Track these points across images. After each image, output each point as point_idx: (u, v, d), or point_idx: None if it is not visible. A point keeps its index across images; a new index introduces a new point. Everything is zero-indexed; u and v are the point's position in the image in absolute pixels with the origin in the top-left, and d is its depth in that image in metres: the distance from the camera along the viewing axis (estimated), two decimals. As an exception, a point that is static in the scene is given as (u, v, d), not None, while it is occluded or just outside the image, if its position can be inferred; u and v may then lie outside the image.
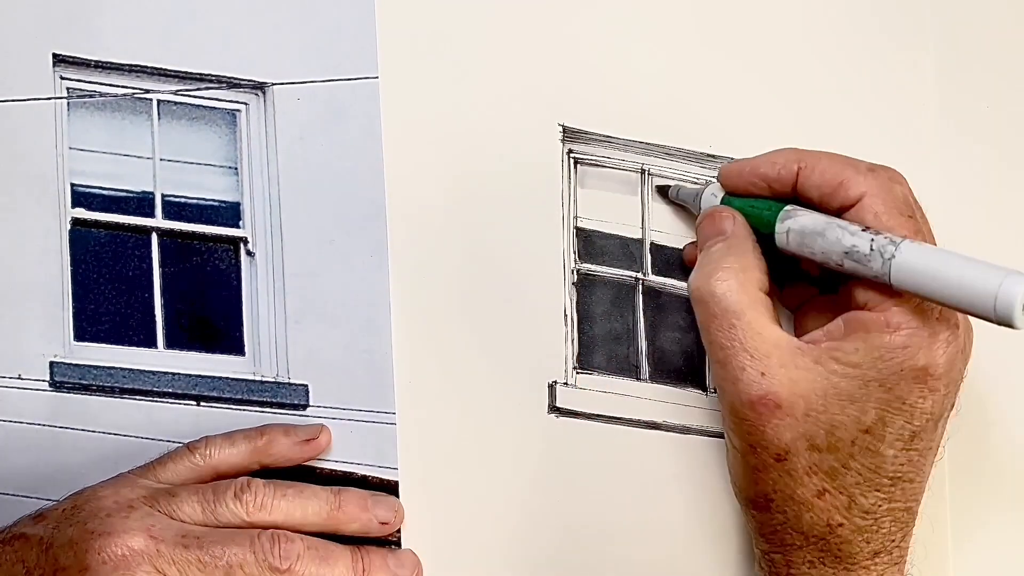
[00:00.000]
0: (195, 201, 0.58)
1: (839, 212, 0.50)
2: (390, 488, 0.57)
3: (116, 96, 0.57)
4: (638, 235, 0.60)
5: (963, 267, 0.46)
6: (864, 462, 0.49)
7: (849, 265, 0.49)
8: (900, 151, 0.61)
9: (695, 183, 0.59)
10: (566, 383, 0.59)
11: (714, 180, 0.56)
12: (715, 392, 0.60)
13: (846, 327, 0.50)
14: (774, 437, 0.49)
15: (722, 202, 0.55)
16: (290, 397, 0.57)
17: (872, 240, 0.49)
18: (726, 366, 0.50)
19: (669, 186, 0.59)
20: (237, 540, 0.51)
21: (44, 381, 0.57)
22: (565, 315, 0.59)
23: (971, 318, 0.49)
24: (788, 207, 0.52)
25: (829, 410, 0.49)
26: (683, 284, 0.59)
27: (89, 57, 0.57)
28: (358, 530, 0.55)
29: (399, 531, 0.57)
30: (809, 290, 0.56)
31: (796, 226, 0.51)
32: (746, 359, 0.49)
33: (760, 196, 0.53)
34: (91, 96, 0.57)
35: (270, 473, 0.56)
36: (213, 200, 0.58)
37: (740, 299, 0.50)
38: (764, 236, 0.53)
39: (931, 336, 0.49)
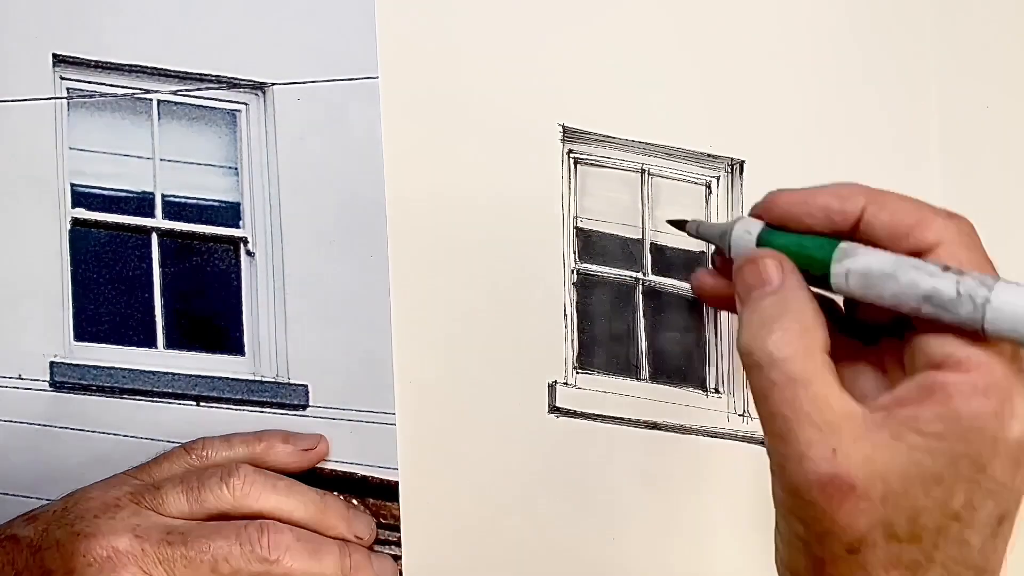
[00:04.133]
0: (195, 201, 0.58)
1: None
2: (390, 488, 0.57)
3: (116, 96, 0.57)
4: (638, 235, 0.60)
5: None
6: (950, 553, 0.42)
7: (928, 311, 0.42)
8: (900, 151, 0.61)
9: (698, 183, 0.59)
10: (566, 383, 0.59)
11: (742, 216, 0.50)
12: (716, 392, 0.60)
13: (921, 391, 0.42)
14: (847, 525, 0.42)
15: (760, 240, 0.48)
16: (290, 397, 0.57)
17: (958, 282, 0.42)
18: (788, 441, 0.42)
19: (685, 220, 0.54)
20: (223, 532, 0.51)
21: (44, 381, 0.56)
22: (565, 315, 0.59)
23: None
24: (844, 244, 0.45)
25: (911, 493, 0.41)
26: (683, 284, 0.59)
27: (89, 57, 0.57)
28: (336, 537, 0.54)
29: (399, 530, 0.56)
30: (851, 343, 0.48)
31: (858, 267, 0.44)
32: (814, 433, 0.42)
33: (809, 232, 0.46)
34: (91, 96, 0.57)
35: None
36: (213, 200, 0.58)
37: (806, 366, 0.43)
38: (814, 278, 0.46)
39: None
